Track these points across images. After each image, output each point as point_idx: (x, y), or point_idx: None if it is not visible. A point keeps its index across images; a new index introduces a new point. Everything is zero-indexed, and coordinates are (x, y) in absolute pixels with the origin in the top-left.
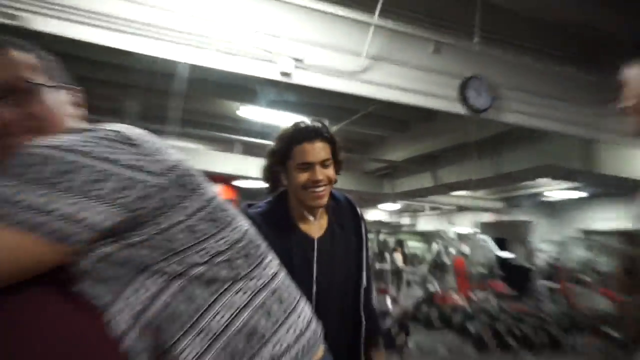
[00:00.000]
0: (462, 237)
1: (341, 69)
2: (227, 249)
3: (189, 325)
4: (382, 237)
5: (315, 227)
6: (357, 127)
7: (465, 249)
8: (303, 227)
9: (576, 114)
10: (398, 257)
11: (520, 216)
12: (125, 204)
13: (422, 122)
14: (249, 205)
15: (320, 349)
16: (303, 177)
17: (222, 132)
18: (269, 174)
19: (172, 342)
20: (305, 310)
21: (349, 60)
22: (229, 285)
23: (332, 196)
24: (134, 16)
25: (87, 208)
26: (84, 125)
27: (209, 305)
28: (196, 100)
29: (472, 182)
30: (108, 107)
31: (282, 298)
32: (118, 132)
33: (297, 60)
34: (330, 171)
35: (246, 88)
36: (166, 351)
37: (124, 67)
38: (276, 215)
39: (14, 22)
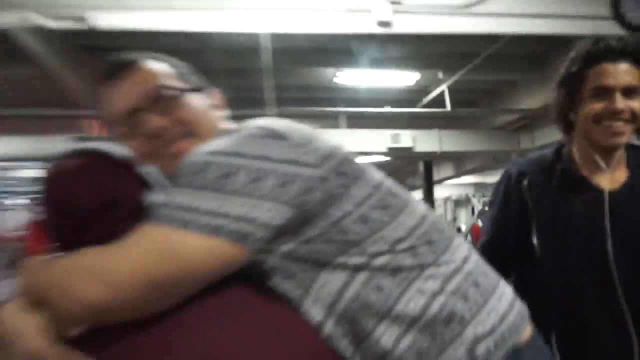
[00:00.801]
0: None
1: (450, 4)
2: (406, 236)
3: (383, 313)
4: None
5: (608, 178)
6: (478, 74)
7: None
8: (590, 177)
9: None
10: None
11: None
12: (288, 200)
13: (562, 55)
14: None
15: (527, 330)
16: (597, 106)
17: (322, 105)
18: (559, 111)
19: (369, 329)
20: (506, 292)
21: None
22: (417, 274)
23: (631, 146)
24: None
25: (255, 207)
26: (231, 125)
27: (400, 294)
28: (286, 75)
29: None
30: None
31: (478, 282)
32: (264, 127)
33: (395, 3)
34: (635, 104)
35: (340, 50)
36: (365, 337)
37: (200, 51)
38: (552, 163)
39: (82, 26)
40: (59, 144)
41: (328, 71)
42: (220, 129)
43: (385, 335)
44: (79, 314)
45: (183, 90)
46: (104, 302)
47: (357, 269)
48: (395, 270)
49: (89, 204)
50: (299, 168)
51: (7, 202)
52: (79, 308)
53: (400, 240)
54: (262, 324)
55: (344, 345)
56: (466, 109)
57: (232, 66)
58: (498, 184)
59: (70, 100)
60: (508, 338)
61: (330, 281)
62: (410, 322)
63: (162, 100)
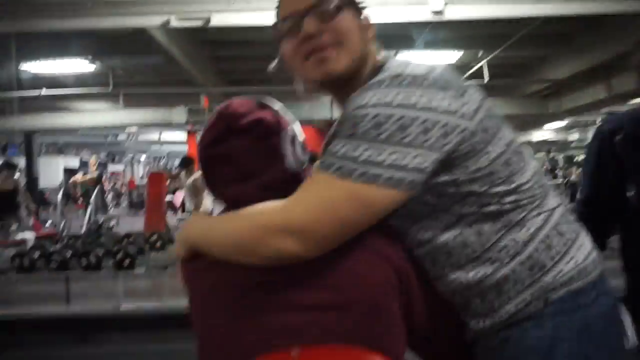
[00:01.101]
0: None
1: None
2: (514, 189)
3: (478, 254)
4: (551, 154)
5: None
6: (513, 51)
7: None
8: None
9: None
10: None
11: None
12: (447, 150)
13: (586, 32)
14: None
15: (594, 274)
16: None
17: None
18: None
19: (462, 263)
20: (585, 242)
21: None
22: (515, 224)
23: None
24: None
25: (417, 156)
26: (381, 58)
27: (497, 240)
28: None
29: None
30: (279, 77)
31: (562, 231)
32: (426, 76)
33: None
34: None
35: (398, 36)
36: (459, 268)
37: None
38: None
39: (206, 25)
40: (175, 114)
41: (388, 53)
42: (369, 58)
43: (475, 270)
44: (269, 263)
45: (342, 5)
46: (302, 253)
47: (467, 214)
48: (497, 217)
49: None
50: (457, 119)
51: (141, 157)
52: (274, 259)
53: (509, 193)
54: (369, 247)
55: (428, 266)
56: (501, 80)
57: None
58: (591, 142)
59: (187, 80)
60: (577, 281)
61: (440, 220)
62: (499, 266)
63: (322, 9)
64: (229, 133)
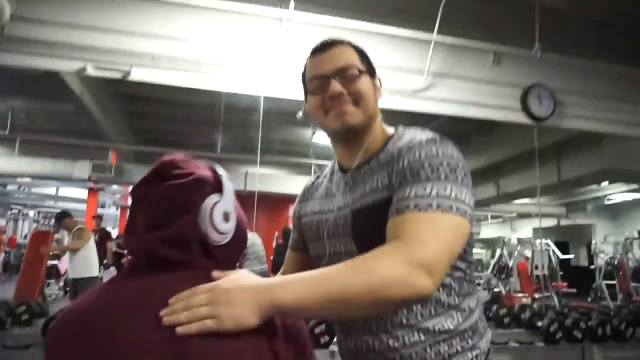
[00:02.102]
0: (524, 242)
1: (404, 89)
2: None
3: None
4: None
5: None
6: None
7: (528, 253)
8: None
9: (638, 115)
10: None
11: (581, 220)
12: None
13: (482, 135)
14: None
15: None
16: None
17: (299, 157)
18: None
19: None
20: None
21: (412, 79)
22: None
23: None
24: (217, 58)
25: (468, 194)
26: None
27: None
28: (274, 131)
29: (535, 190)
30: (197, 142)
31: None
32: (443, 137)
33: None
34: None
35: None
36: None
37: (210, 106)
38: None
39: (126, 77)
40: (78, 168)
41: (308, 131)
42: (377, 116)
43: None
44: (400, 306)
45: (362, 72)
46: (432, 290)
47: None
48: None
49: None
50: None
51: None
52: (408, 300)
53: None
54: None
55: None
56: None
57: (234, 120)
58: None
59: (97, 132)
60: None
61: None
62: (446, 332)
63: (346, 73)
64: (156, 178)
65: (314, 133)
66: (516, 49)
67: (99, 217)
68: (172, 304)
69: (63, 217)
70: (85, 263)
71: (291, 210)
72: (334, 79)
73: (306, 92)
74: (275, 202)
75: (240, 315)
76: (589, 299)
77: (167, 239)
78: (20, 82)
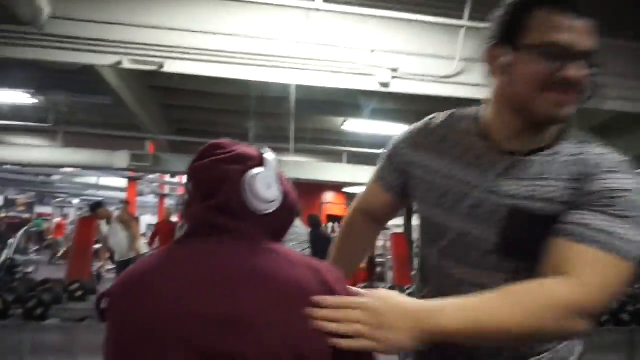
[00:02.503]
0: None
1: (435, 74)
2: None
3: None
4: None
5: None
6: None
7: None
8: None
9: None
10: None
11: None
12: None
13: None
14: None
15: None
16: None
17: (330, 145)
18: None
19: None
20: None
21: (443, 65)
22: None
23: None
24: (247, 49)
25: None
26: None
27: None
28: (305, 120)
29: None
30: (232, 132)
31: None
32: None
33: (393, 70)
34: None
35: (348, 104)
36: None
37: (241, 96)
38: None
39: (161, 69)
40: (117, 158)
41: (338, 120)
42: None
43: None
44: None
45: (594, 63)
46: (583, 330)
47: None
48: None
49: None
50: None
51: (74, 201)
52: (561, 338)
53: None
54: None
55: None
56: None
57: (265, 109)
58: None
59: (133, 125)
60: None
61: None
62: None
63: (589, 60)
64: (203, 157)
65: (344, 121)
66: None
67: (126, 203)
68: (321, 304)
69: (97, 207)
70: (133, 245)
71: (327, 196)
72: (579, 62)
73: (511, 40)
74: (308, 190)
75: (398, 341)
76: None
77: (216, 207)
78: (61, 77)
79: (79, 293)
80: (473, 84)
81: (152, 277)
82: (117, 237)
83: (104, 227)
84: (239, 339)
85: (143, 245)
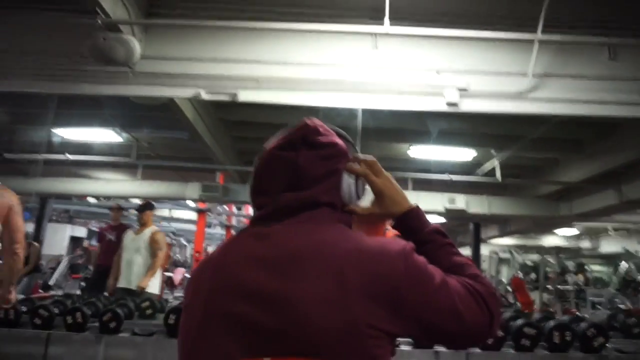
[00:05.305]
0: None
1: (507, 91)
2: None
3: None
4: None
5: None
6: (525, 152)
7: None
8: None
9: None
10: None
11: None
12: None
13: (598, 140)
14: None
15: None
16: None
17: (396, 171)
18: None
19: None
20: None
21: (515, 82)
22: None
23: None
24: (315, 75)
25: None
26: None
27: None
28: (371, 147)
29: None
30: None
31: None
32: None
33: (461, 90)
34: None
35: (414, 130)
36: None
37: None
38: None
39: (234, 99)
40: (189, 190)
41: (404, 146)
42: None
43: None
44: None
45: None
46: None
47: None
48: None
49: None
50: None
51: None
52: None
53: None
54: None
55: None
56: (513, 179)
57: None
58: None
59: (204, 157)
60: None
61: None
62: None
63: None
64: (302, 143)
65: (410, 146)
66: (635, 40)
67: (119, 208)
68: None
69: (146, 208)
70: (145, 276)
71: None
72: None
73: None
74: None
75: None
76: None
77: (302, 199)
78: (143, 115)
79: (149, 311)
80: (548, 100)
81: (217, 255)
82: (132, 257)
83: (128, 237)
84: (281, 316)
85: (156, 285)
